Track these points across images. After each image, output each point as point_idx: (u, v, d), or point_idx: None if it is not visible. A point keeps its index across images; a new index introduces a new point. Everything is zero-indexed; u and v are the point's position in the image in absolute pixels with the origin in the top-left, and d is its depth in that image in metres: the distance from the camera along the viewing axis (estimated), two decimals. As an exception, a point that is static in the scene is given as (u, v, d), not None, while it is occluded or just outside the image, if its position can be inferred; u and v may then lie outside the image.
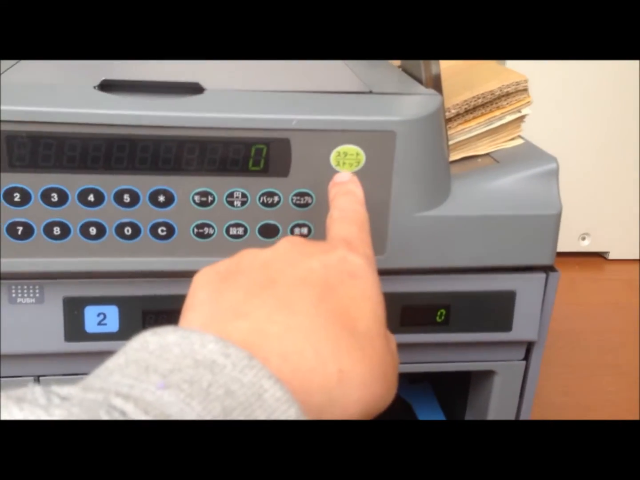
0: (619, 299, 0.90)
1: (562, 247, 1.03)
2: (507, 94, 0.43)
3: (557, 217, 0.40)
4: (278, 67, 0.44)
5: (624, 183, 0.93)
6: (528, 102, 0.43)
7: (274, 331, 0.24)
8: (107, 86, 0.36)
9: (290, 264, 0.27)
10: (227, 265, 0.28)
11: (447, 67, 0.49)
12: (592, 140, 0.90)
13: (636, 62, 0.86)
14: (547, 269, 0.42)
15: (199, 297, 0.27)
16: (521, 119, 0.44)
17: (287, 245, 0.29)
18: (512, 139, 0.45)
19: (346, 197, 0.33)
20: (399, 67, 0.47)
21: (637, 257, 0.99)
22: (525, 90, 0.43)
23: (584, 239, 0.97)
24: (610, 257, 0.98)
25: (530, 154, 0.43)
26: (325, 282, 0.26)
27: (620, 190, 0.94)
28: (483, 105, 0.43)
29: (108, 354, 0.23)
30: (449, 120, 0.43)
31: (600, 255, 0.99)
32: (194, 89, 0.37)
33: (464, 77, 0.46)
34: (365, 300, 0.26)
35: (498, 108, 0.43)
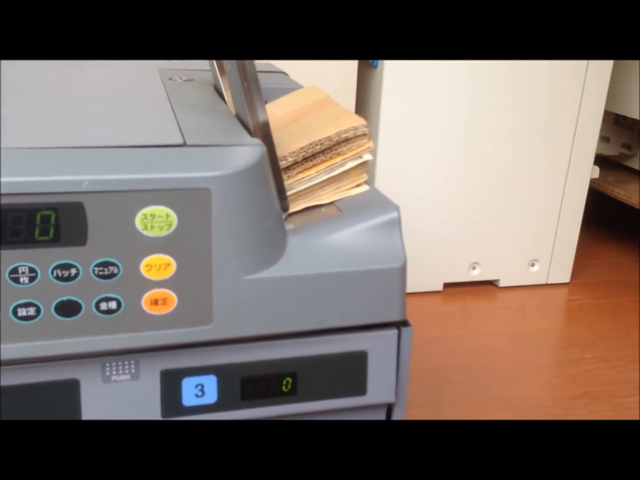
0: (510, 328, 0.89)
1: (453, 277, 1.03)
2: (347, 140, 0.40)
3: (402, 270, 0.37)
4: (79, 116, 0.39)
5: (510, 211, 0.94)
6: (369, 147, 0.41)
7: None
8: None
9: None
10: None
11: (289, 112, 0.46)
12: (476, 170, 0.91)
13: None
14: (399, 324, 0.39)
15: None
16: (364, 165, 0.41)
17: None
18: (358, 185, 0.42)
19: None
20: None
21: (526, 283, 1.00)
22: (364, 135, 0.40)
23: (474, 268, 0.97)
24: (501, 284, 0.99)
25: (372, 202, 0.40)
26: None
27: (507, 218, 0.94)
28: (322, 151, 0.40)
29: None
30: (287, 169, 0.40)
31: (491, 283, 1.00)
32: (-38, 148, 0.31)
33: (305, 122, 0.43)
34: None
35: (338, 154, 0.40)
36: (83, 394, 0.34)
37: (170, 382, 0.36)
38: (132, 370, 0.35)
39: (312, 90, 0.50)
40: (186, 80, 0.52)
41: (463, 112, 0.87)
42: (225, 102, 0.46)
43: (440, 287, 0.96)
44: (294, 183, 0.40)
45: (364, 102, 0.89)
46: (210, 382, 0.36)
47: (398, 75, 0.83)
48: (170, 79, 0.52)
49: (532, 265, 0.99)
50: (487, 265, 0.97)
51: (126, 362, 0.35)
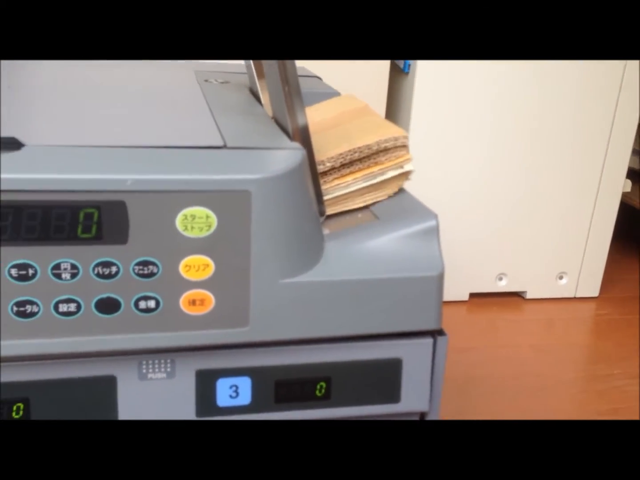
0: (538, 341, 0.88)
1: (479, 287, 1.02)
2: (386, 149, 0.40)
3: (440, 278, 0.37)
4: (121, 116, 0.39)
5: (539, 222, 0.93)
6: (407, 159, 0.40)
7: None
8: None
9: None
10: None
11: (326, 118, 0.46)
12: (507, 180, 0.90)
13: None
14: (435, 333, 0.39)
15: None
16: (404, 175, 0.41)
17: None
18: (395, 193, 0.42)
19: None
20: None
21: (554, 296, 0.99)
22: (404, 146, 0.40)
23: (501, 279, 0.95)
24: (528, 296, 0.97)
25: (411, 209, 0.40)
26: None
27: (536, 229, 0.93)
28: (360, 159, 0.40)
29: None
30: (323, 174, 0.40)
31: (518, 295, 0.98)
32: (10, 144, 0.32)
33: (344, 129, 0.43)
34: None
35: (376, 164, 0.40)
36: (120, 391, 0.35)
37: (205, 382, 0.36)
38: (168, 369, 0.35)
39: (349, 98, 0.50)
40: (222, 83, 0.52)
41: (493, 120, 0.86)
42: (261, 105, 0.46)
43: (466, 297, 0.95)
44: (330, 189, 0.40)
45: (394, 108, 0.89)
46: (245, 384, 0.36)
47: (429, 82, 0.83)
48: (206, 80, 0.52)
49: (561, 278, 0.97)
50: (515, 276, 0.95)
51: (162, 361, 0.35)
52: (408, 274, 0.36)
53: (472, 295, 0.96)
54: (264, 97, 0.46)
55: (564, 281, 0.98)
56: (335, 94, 0.54)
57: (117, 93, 0.44)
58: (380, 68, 0.82)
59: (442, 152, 0.86)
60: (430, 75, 0.82)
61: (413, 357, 0.38)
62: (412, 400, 0.39)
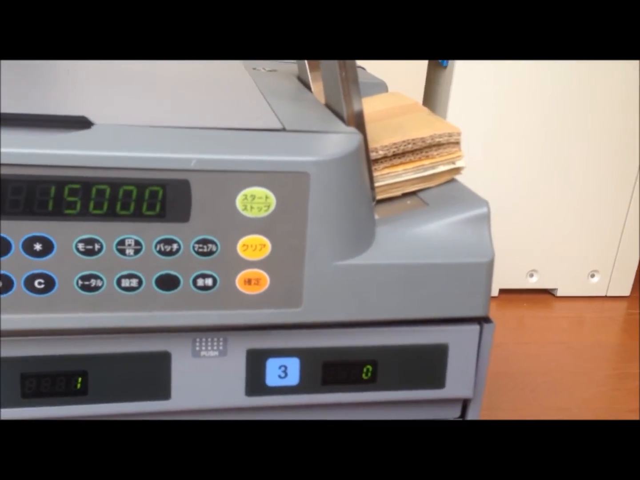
0: (568, 338, 0.88)
1: (510, 284, 1.01)
2: (439, 144, 0.40)
3: (490, 265, 0.37)
4: (182, 100, 0.40)
5: (572, 219, 0.92)
6: (459, 155, 0.41)
7: None
8: (-24, 119, 0.32)
9: None
10: None
11: (377, 111, 0.46)
12: (539, 176, 0.89)
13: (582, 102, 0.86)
14: (481, 320, 0.39)
15: None
16: (455, 171, 0.41)
17: None
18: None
19: None
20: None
21: (585, 294, 0.98)
22: (457, 143, 0.41)
23: (532, 275, 0.95)
24: (558, 294, 0.97)
25: (460, 196, 0.40)
26: None
27: (568, 226, 0.93)
28: (412, 151, 0.40)
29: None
30: (375, 161, 0.40)
31: (549, 292, 0.98)
32: (80, 122, 0.33)
33: (396, 121, 0.43)
34: None
35: (427, 157, 0.41)
36: (173, 367, 0.35)
37: (256, 362, 0.36)
38: (221, 347, 0.36)
39: (398, 95, 0.51)
40: (269, 71, 0.53)
41: (528, 116, 0.85)
42: (311, 92, 0.47)
43: (495, 293, 0.95)
44: (380, 176, 0.41)
45: (431, 102, 0.89)
46: (294, 365, 0.37)
47: (467, 76, 0.82)
48: (254, 68, 0.53)
49: (592, 276, 0.97)
50: (546, 273, 0.95)
51: (215, 339, 0.36)
52: (458, 260, 0.37)
53: (502, 291, 0.96)
54: (315, 85, 0.47)
55: (595, 279, 0.97)
56: (381, 83, 0.55)
57: (175, 80, 0.45)
58: (419, 61, 0.83)
59: (477, 147, 0.86)
60: (469, 70, 0.82)
61: (459, 343, 0.39)
62: (456, 386, 0.39)
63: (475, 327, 0.39)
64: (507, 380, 0.78)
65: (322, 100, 0.44)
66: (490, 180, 0.89)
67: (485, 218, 0.38)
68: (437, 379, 0.39)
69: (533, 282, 0.95)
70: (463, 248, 0.37)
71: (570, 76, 0.85)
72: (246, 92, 0.43)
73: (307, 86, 0.48)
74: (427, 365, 0.39)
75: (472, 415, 0.41)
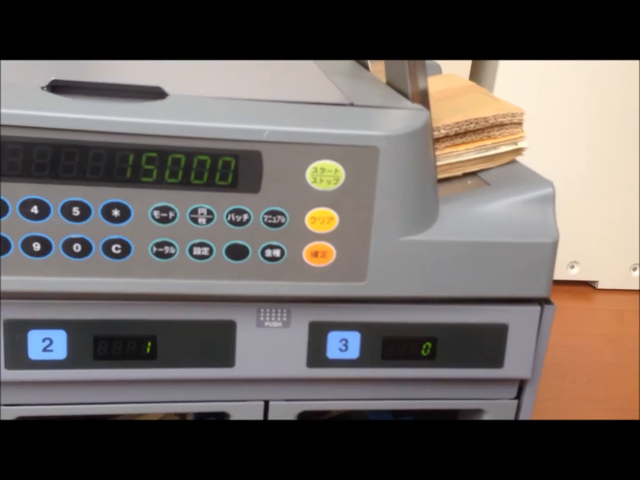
0: (609, 331, 0.87)
1: (550, 275, 0.99)
2: (501, 124, 0.40)
3: (554, 246, 0.37)
4: (251, 75, 0.40)
5: (615, 212, 0.91)
6: (522, 136, 0.41)
7: None
8: (56, 87, 0.32)
9: None
10: None
11: (435, 92, 0.46)
12: (582, 167, 0.88)
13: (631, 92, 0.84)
14: (542, 301, 0.39)
15: None
16: (517, 152, 0.41)
17: None
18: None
19: None
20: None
21: (626, 287, 0.96)
22: (520, 123, 0.40)
23: (572, 267, 0.94)
24: (599, 286, 0.95)
25: (523, 177, 0.40)
26: None
27: (611, 219, 0.91)
28: (475, 131, 0.40)
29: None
30: (437, 140, 0.40)
31: (589, 285, 0.96)
32: (156, 93, 0.33)
33: (456, 101, 0.43)
34: None
35: (489, 137, 0.41)
36: (238, 336, 0.36)
37: (317, 334, 0.37)
38: (284, 319, 0.36)
39: (454, 76, 0.51)
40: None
41: (572, 106, 0.84)
42: (369, 71, 0.47)
43: (535, 284, 0.94)
44: (441, 156, 0.41)
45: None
46: (354, 339, 0.37)
47: (513, 64, 0.81)
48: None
49: (634, 269, 0.95)
50: (587, 265, 0.94)
51: (279, 310, 0.36)
52: (523, 240, 0.37)
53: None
54: (373, 65, 0.47)
55: (637, 273, 0.95)
56: (435, 65, 0.54)
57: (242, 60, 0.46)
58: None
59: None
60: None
61: (520, 323, 0.39)
62: (515, 366, 0.39)
63: (537, 308, 0.39)
64: (547, 370, 0.77)
65: (380, 80, 0.44)
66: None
67: (550, 198, 0.38)
68: (495, 359, 0.39)
69: (574, 274, 0.94)
70: (527, 228, 0.37)
71: (620, 66, 0.83)
72: (310, 71, 0.44)
73: (364, 66, 0.48)
74: (486, 345, 0.39)
75: (527, 396, 0.41)
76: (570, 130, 0.86)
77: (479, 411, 0.41)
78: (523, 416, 0.41)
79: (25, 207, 0.31)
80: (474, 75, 0.88)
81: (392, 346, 0.38)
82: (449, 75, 0.52)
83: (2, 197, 0.31)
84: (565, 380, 0.75)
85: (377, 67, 0.46)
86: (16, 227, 0.31)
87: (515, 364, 0.39)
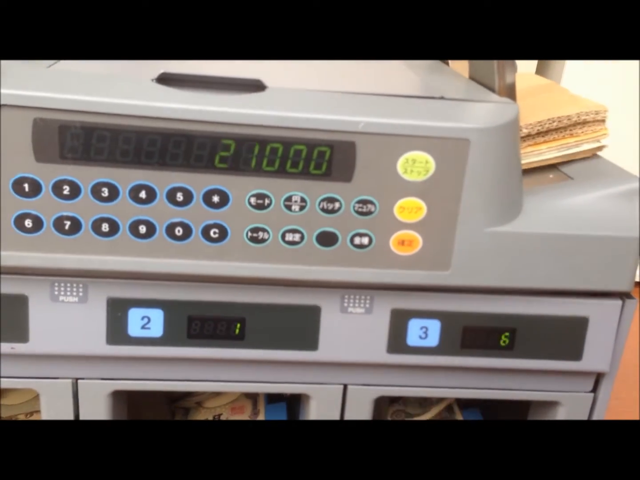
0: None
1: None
2: (584, 122, 0.40)
3: (638, 241, 0.37)
4: (344, 69, 0.42)
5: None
6: (604, 133, 0.40)
7: None
8: (165, 79, 0.34)
9: None
10: None
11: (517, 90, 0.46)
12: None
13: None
14: (624, 296, 0.39)
15: None
16: (598, 149, 0.41)
17: None
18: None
19: None
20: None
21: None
22: (603, 121, 0.40)
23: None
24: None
25: (608, 171, 0.40)
26: None
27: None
28: (557, 129, 0.40)
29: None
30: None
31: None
32: (255, 86, 0.35)
33: (536, 100, 0.43)
34: None
35: (572, 135, 0.41)
36: (322, 320, 0.37)
37: (398, 321, 0.38)
38: (367, 305, 0.38)
39: (531, 75, 0.51)
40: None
41: (630, 107, 0.82)
42: (448, 66, 0.47)
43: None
44: (522, 155, 0.41)
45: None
46: (434, 327, 0.38)
47: (579, 63, 0.80)
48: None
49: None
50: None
51: (362, 297, 0.37)
52: (607, 233, 0.37)
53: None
54: (453, 61, 0.47)
55: None
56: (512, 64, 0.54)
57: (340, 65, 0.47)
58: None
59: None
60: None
61: (600, 317, 0.39)
62: (593, 359, 0.39)
63: (618, 302, 0.39)
64: (622, 368, 0.76)
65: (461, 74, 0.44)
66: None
67: (636, 193, 0.38)
68: (574, 351, 0.39)
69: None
70: (612, 222, 0.37)
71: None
72: (395, 66, 0.44)
73: (444, 62, 0.49)
74: (566, 337, 0.39)
75: (604, 389, 0.41)
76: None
77: (553, 403, 0.42)
78: (598, 410, 0.42)
79: (134, 191, 0.33)
80: (540, 74, 0.87)
81: (471, 335, 0.39)
82: (527, 74, 0.52)
83: (114, 182, 0.33)
84: (627, 380, 0.74)
85: (457, 64, 0.46)
86: (125, 211, 0.33)
87: (594, 357, 0.39)
